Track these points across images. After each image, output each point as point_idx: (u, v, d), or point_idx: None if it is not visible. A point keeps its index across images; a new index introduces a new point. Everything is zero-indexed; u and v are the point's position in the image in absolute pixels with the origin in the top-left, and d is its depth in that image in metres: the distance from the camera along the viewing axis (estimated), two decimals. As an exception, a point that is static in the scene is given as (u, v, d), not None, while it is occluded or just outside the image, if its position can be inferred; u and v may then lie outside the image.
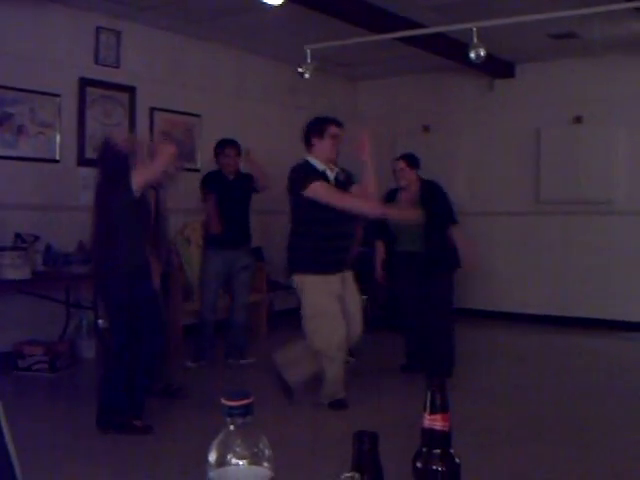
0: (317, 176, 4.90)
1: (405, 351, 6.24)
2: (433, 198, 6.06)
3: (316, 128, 5.03)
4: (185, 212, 7.12)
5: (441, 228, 6.01)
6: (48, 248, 6.24)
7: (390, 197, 6.26)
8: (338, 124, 5.04)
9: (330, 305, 4.88)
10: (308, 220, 4.95)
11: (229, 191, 6.37)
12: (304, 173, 4.94)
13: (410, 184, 6.13)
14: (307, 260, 4.94)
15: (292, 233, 5.12)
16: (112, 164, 4.47)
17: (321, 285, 4.90)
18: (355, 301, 5.13)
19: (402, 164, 6.15)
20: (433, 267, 5.95)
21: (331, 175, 5.01)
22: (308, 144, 5.04)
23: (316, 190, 4.84)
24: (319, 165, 4.98)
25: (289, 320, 8.14)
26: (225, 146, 6.43)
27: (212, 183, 6.44)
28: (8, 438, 0.97)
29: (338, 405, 5.03)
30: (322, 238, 4.90)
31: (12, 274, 5.73)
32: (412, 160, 6.20)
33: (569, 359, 7.18)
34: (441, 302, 6.04)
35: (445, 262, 6.02)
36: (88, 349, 6.59)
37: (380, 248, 6.41)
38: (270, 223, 8.15)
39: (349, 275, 5.12)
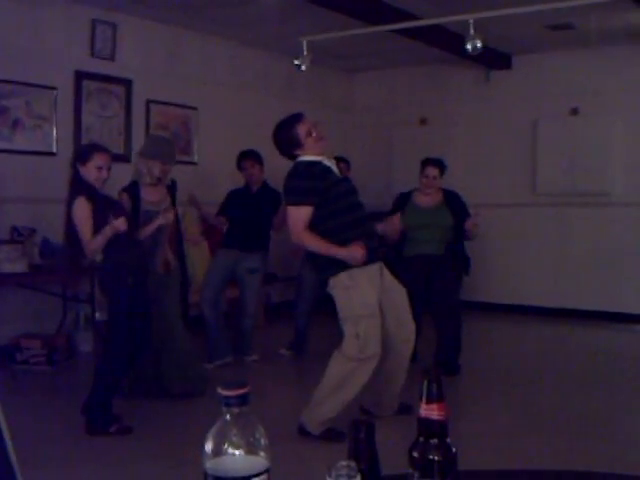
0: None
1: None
2: (459, 205, 6.06)
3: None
4: (183, 205, 7.11)
5: (457, 232, 6.01)
6: (45, 241, 6.23)
7: (405, 198, 6.19)
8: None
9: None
10: None
11: (250, 204, 6.35)
12: None
13: (436, 194, 6.07)
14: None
15: None
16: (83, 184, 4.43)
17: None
18: None
19: (435, 172, 6.00)
20: (449, 267, 5.99)
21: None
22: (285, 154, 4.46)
23: None
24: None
25: (286, 312, 8.16)
26: (241, 160, 6.46)
27: (231, 202, 6.44)
28: (5, 431, 0.97)
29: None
30: None
31: (9, 267, 5.73)
32: (443, 168, 6.08)
33: (566, 350, 7.19)
34: (449, 301, 6.02)
35: (459, 264, 6.09)
36: (85, 342, 6.59)
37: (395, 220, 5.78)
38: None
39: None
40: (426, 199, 6.10)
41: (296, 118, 4.34)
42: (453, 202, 6.08)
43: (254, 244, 6.33)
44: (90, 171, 4.42)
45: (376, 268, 4.29)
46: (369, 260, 4.20)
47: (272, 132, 4.40)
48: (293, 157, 4.33)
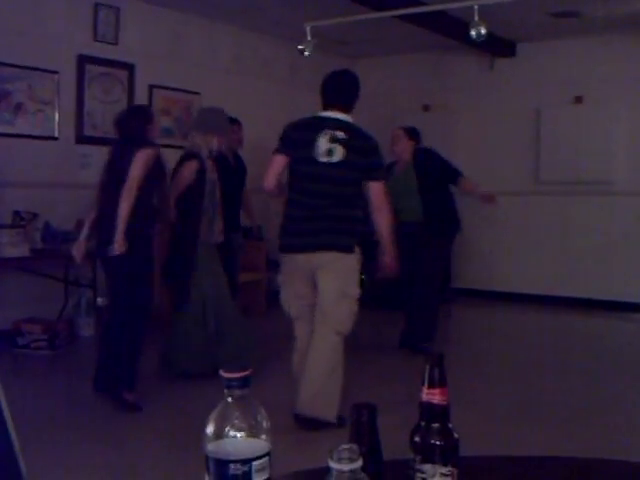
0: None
1: (402, 327, 6.26)
2: (428, 162, 6.05)
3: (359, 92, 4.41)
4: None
5: (441, 190, 6.02)
6: (47, 226, 6.23)
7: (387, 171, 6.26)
8: None
9: None
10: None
11: (230, 174, 6.32)
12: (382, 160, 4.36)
13: (402, 153, 6.12)
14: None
15: (348, 204, 4.16)
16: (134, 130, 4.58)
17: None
18: None
19: (399, 131, 6.16)
20: (432, 236, 5.94)
21: None
22: (350, 106, 4.34)
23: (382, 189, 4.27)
24: None
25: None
26: (232, 123, 6.33)
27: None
28: (7, 415, 0.97)
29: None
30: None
31: (11, 252, 5.73)
32: (411, 131, 6.19)
33: (567, 339, 7.20)
34: (426, 269, 6.01)
35: (444, 229, 6.05)
36: (87, 327, 6.60)
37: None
38: (269, 202, 8.12)
39: None
40: (398, 166, 6.19)
41: None
42: (420, 161, 6.07)
43: (239, 221, 6.36)
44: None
45: None
46: None
47: (354, 76, 4.59)
48: (345, 108, 4.28)
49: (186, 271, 5.10)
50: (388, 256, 4.31)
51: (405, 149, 6.12)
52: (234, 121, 6.45)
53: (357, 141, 4.12)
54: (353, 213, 4.15)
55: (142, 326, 4.57)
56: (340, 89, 4.31)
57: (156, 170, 4.52)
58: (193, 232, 5.06)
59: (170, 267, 5.25)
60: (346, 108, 4.24)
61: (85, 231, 4.63)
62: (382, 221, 4.24)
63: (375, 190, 4.17)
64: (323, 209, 4.09)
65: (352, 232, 4.15)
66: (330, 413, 4.13)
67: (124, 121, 4.68)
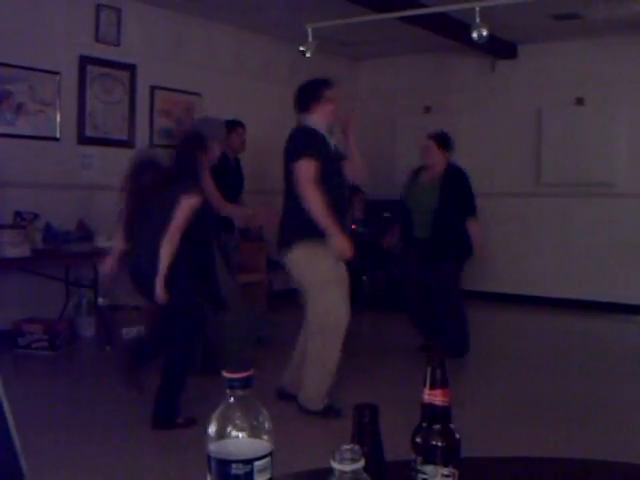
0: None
1: (420, 332, 6.20)
2: (456, 185, 5.89)
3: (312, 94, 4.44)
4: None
5: (458, 216, 5.86)
6: (48, 226, 6.23)
7: (413, 175, 6.17)
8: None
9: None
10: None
11: (230, 174, 6.32)
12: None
13: (435, 165, 5.94)
14: (313, 226, 4.23)
15: (296, 203, 4.31)
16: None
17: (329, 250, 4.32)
18: None
19: (429, 142, 5.96)
20: (438, 255, 5.83)
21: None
22: (303, 108, 4.45)
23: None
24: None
25: (288, 300, 8.16)
26: (237, 126, 6.47)
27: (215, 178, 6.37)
28: (8, 416, 0.97)
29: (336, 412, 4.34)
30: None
31: (11, 252, 5.72)
32: (442, 140, 5.98)
33: (569, 341, 7.19)
34: (444, 289, 5.93)
35: (452, 251, 5.89)
36: (87, 327, 6.60)
37: (395, 231, 6.35)
38: (270, 203, 8.12)
39: None
40: (425, 175, 6.05)
41: (327, 83, 4.48)
42: (449, 180, 5.91)
43: (232, 221, 6.32)
44: None
45: None
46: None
47: (310, 81, 4.51)
48: (302, 111, 4.39)
49: (213, 277, 5.11)
50: (334, 238, 4.19)
51: (438, 162, 5.93)
52: (238, 124, 6.49)
53: (289, 142, 4.38)
54: (300, 211, 4.22)
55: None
56: (296, 96, 4.52)
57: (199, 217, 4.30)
58: (209, 236, 5.08)
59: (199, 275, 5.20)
60: (303, 110, 4.42)
61: (115, 248, 4.44)
62: (309, 204, 4.17)
63: (295, 173, 4.23)
64: (284, 209, 4.49)
65: (294, 228, 4.32)
66: (316, 403, 4.36)
67: (179, 146, 4.65)
